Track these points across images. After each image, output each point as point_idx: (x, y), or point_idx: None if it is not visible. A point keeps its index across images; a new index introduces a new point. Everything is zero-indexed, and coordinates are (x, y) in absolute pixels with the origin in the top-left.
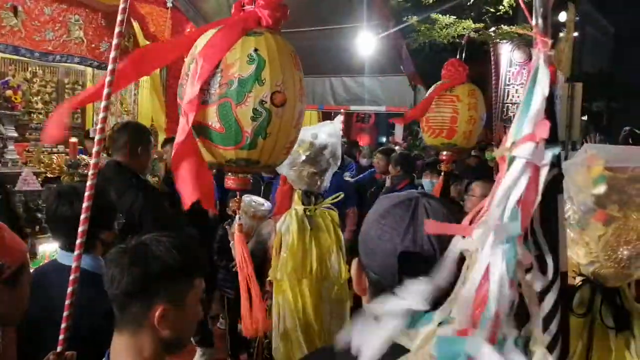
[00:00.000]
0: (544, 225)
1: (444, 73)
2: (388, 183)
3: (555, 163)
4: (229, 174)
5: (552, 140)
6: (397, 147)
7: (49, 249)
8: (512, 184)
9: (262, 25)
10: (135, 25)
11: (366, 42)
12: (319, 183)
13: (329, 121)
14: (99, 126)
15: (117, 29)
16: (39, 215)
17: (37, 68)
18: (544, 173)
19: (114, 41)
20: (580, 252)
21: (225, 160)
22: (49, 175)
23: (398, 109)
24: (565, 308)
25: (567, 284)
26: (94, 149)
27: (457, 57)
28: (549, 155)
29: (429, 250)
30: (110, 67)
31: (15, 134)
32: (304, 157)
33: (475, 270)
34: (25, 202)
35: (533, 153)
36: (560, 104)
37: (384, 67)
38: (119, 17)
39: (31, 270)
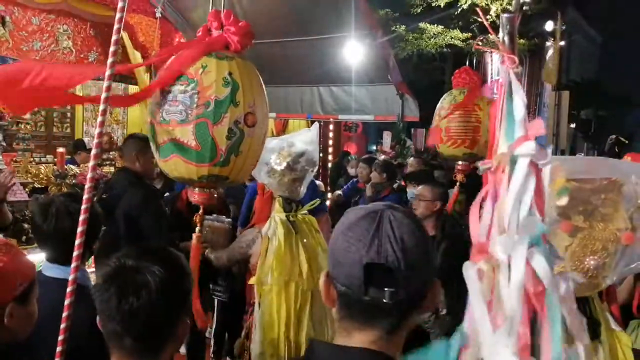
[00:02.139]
0: None
1: (457, 82)
2: (370, 192)
3: None
4: (196, 189)
5: None
6: (382, 156)
7: (35, 260)
8: (521, 188)
9: (231, 49)
10: (125, 35)
11: (354, 51)
12: (298, 189)
13: (306, 129)
14: (95, 140)
15: (111, 48)
16: (26, 225)
17: None
18: (546, 172)
19: (109, 59)
20: None
21: (197, 177)
22: (36, 185)
23: (386, 117)
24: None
25: None
26: (91, 163)
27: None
28: (548, 153)
29: (393, 262)
30: (105, 84)
31: (3, 144)
32: (284, 165)
33: (512, 278)
34: (12, 213)
35: (535, 150)
36: (547, 112)
37: (372, 76)
38: (113, 37)
39: None
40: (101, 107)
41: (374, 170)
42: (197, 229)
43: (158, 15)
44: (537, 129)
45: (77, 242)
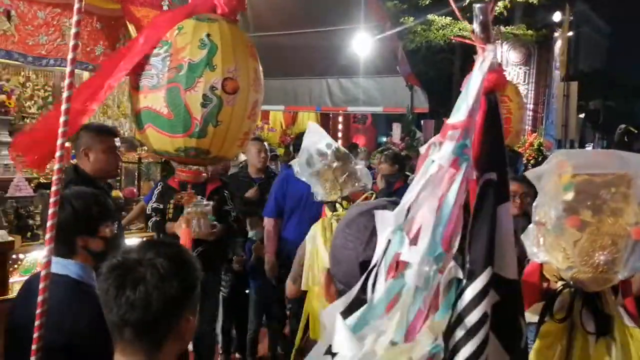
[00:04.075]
0: (473, 233)
1: None
2: (381, 184)
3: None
4: (180, 165)
5: (498, 153)
6: (393, 148)
7: (39, 256)
8: (419, 181)
9: (218, 12)
10: (131, 28)
11: (363, 43)
12: (336, 185)
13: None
14: (61, 129)
15: (73, 30)
16: (30, 221)
17: (31, 72)
18: (448, 170)
19: (71, 42)
20: (558, 257)
21: (174, 149)
22: (42, 180)
23: (395, 109)
24: (516, 317)
25: (519, 293)
26: (58, 153)
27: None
28: (447, 154)
29: None
30: (68, 69)
31: (9, 139)
32: (335, 164)
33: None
34: (16, 209)
35: (449, 160)
36: (556, 103)
37: (381, 67)
38: (74, 17)
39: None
40: (65, 94)
41: (384, 162)
42: (185, 210)
43: (165, 8)
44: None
45: (47, 236)
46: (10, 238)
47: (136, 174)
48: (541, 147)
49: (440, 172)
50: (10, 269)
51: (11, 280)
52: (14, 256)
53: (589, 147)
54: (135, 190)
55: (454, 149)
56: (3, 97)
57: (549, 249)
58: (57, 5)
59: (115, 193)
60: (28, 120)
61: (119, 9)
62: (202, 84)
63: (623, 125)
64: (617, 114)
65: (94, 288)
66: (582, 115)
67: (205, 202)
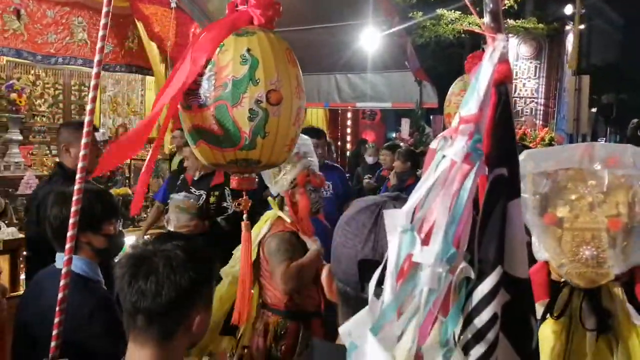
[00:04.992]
0: (482, 231)
1: (469, 67)
2: (393, 181)
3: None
4: (234, 174)
5: (509, 147)
6: (402, 144)
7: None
8: (429, 177)
9: (255, 24)
10: (140, 26)
11: (371, 38)
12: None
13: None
14: (85, 129)
15: (100, 32)
16: None
17: (41, 71)
18: (460, 166)
19: (98, 45)
20: (549, 256)
21: (226, 162)
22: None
23: (404, 105)
24: (527, 317)
25: (529, 292)
26: (82, 152)
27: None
28: (460, 149)
29: None
30: (95, 70)
31: (20, 137)
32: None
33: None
34: (26, 206)
35: (462, 154)
36: (567, 97)
37: (389, 63)
38: (102, 20)
39: None
40: (90, 94)
41: (397, 159)
42: (244, 216)
43: (173, 5)
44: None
45: (69, 233)
46: (21, 235)
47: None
48: (553, 142)
49: (453, 168)
50: (21, 266)
51: (22, 277)
52: (24, 253)
53: (601, 141)
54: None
55: (468, 144)
56: (14, 95)
57: (544, 247)
58: (65, 4)
59: (124, 190)
60: (38, 119)
61: (128, 6)
62: (247, 99)
63: (635, 120)
64: (631, 107)
65: (99, 283)
66: (594, 110)
67: (182, 196)
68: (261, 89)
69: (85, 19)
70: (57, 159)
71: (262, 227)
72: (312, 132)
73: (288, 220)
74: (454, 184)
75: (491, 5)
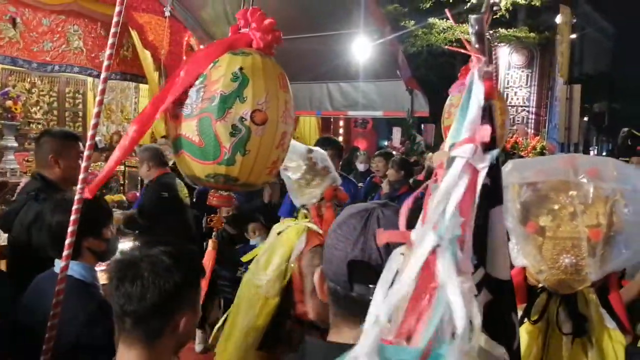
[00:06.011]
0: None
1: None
2: (386, 189)
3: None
4: (212, 190)
5: (490, 149)
6: (394, 152)
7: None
8: (451, 185)
9: (253, 47)
10: (134, 34)
11: (363, 47)
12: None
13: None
14: (88, 142)
15: (110, 40)
16: None
17: (36, 79)
18: (482, 176)
19: (107, 51)
20: (531, 262)
21: (204, 175)
22: None
23: (395, 113)
24: (508, 316)
25: (511, 293)
26: (83, 164)
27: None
28: (487, 158)
29: (376, 260)
30: (103, 74)
31: (15, 144)
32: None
33: (407, 271)
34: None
35: (473, 154)
36: (559, 106)
37: (380, 72)
38: (112, 29)
39: None
40: (95, 109)
41: (391, 168)
42: (213, 234)
43: (167, 14)
44: (483, 135)
45: (67, 240)
46: None
47: (139, 178)
48: (544, 151)
49: (472, 177)
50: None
51: None
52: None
53: (592, 151)
54: (138, 194)
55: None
56: (9, 102)
57: (523, 254)
58: (61, 12)
59: (119, 197)
60: (34, 126)
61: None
62: (232, 115)
63: (626, 129)
64: (622, 116)
65: (97, 288)
66: (586, 118)
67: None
68: (247, 107)
69: (81, 27)
70: (37, 169)
71: (294, 241)
72: (326, 142)
73: (320, 231)
74: (475, 192)
75: (476, 27)
